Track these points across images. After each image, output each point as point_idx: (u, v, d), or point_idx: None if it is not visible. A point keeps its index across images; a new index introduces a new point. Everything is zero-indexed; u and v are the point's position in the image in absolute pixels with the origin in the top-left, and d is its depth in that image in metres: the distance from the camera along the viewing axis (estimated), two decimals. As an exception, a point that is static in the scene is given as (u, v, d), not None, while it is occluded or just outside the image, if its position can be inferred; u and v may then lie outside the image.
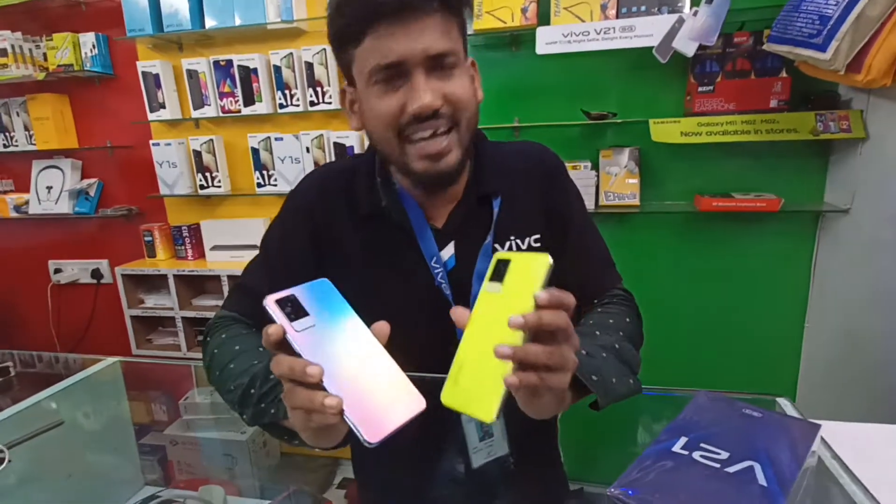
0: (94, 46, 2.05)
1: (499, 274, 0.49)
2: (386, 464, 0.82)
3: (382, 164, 0.76)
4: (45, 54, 2.09)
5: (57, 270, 2.44)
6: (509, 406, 0.46)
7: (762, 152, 1.64)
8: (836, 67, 1.20)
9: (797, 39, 1.26)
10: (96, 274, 2.40)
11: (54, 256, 2.45)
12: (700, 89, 1.60)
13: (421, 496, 0.80)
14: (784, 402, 0.76)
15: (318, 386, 0.44)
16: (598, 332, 0.66)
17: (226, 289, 2.04)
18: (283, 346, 0.45)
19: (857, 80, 1.20)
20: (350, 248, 0.75)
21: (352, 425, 0.43)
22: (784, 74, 1.54)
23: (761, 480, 0.50)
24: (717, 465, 0.52)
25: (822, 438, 0.63)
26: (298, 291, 0.48)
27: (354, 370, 0.46)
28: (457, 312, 0.50)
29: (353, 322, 0.49)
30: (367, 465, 0.88)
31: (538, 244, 0.76)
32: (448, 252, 0.75)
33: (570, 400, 0.56)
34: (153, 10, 1.90)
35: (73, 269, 2.44)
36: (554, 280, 0.45)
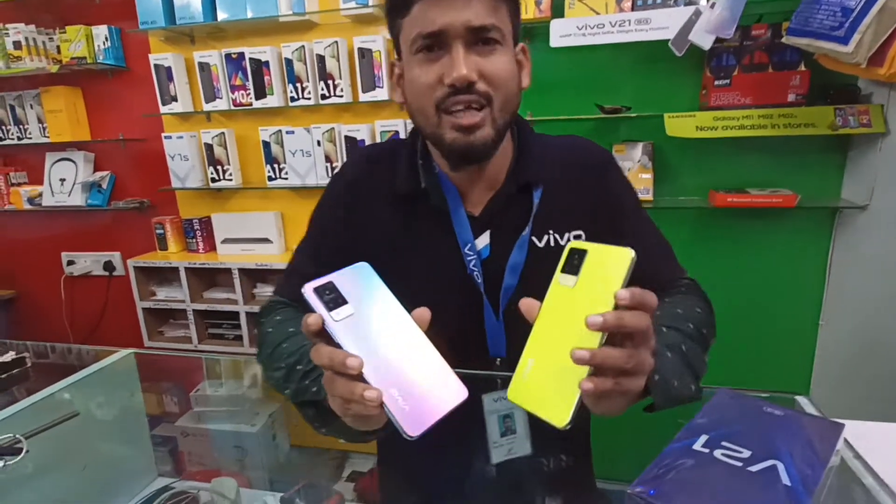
0: (106, 39, 2.06)
1: (573, 265, 0.46)
2: (414, 453, 0.82)
3: (425, 146, 0.75)
4: (58, 47, 2.10)
5: (70, 262, 2.47)
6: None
7: (779, 147, 1.62)
8: (857, 61, 1.18)
9: (818, 32, 1.24)
10: (109, 266, 2.43)
11: (67, 248, 2.47)
12: (716, 83, 1.58)
13: (442, 488, 0.79)
14: (804, 401, 0.75)
15: (358, 377, 0.43)
16: (664, 329, 0.62)
17: (237, 281, 2.05)
18: (323, 334, 0.45)
19: (878, 74, 1.18)
20: (385, 228, 0.75)
21: (392, 418, 0.43)
22: (802, 68, 1.51)
23: (785, 480, 0.49)
24: (740, 464, 0.51)
25: (844, 438, 0.61)
26: (337, 278, 0.47)
27: (395, 360, 0.45)
28: (526, 303, 0.48)
29: (393, 309, 0.48)
30: (393, 454, 0.87)
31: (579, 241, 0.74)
32: (483, 241, 0.74)
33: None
34: (165, 3, 1.91)
35: (86, 262, 2.46)
36: None
